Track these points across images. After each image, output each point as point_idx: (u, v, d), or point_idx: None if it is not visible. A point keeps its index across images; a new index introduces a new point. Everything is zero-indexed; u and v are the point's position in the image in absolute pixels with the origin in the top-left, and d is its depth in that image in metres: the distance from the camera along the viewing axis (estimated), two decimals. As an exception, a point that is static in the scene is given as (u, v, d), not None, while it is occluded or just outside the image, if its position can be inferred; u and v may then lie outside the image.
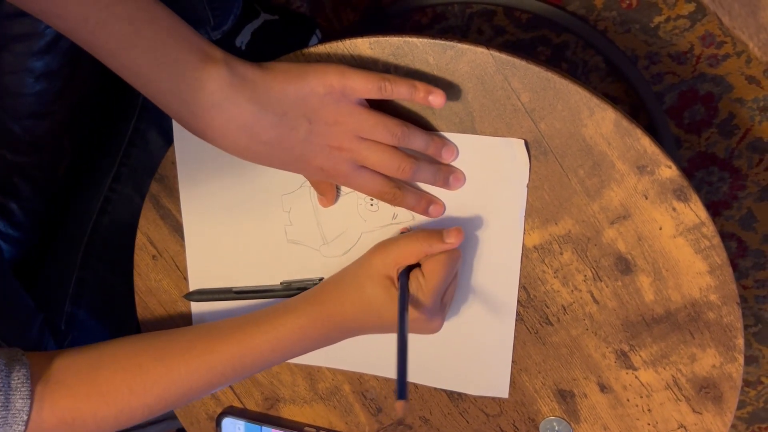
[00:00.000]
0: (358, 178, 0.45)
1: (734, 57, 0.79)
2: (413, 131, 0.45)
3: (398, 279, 0.45)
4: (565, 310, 0.51)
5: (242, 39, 0.76)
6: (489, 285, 0.51)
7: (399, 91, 0.43)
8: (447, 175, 0.47)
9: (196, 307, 0.58)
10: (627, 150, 0.46)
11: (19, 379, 0.44)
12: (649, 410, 0.52)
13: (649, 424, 0.53)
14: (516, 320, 0.51)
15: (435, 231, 0.45)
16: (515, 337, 0.52)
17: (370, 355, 0.55)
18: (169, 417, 0.72)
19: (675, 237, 0.47)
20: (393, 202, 0.47)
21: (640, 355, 0.51)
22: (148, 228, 0.57)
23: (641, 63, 0.81)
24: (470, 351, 0.53)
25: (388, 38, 0.47)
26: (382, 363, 0.56)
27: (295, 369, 0.58)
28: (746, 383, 0.99)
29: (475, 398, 0.55)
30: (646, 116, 0.83)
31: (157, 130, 0.64)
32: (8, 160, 0.60)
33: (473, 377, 0.54)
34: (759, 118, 0.82)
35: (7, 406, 0.43)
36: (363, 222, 0.51)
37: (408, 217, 0.50)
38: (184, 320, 0.58)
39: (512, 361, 0.53)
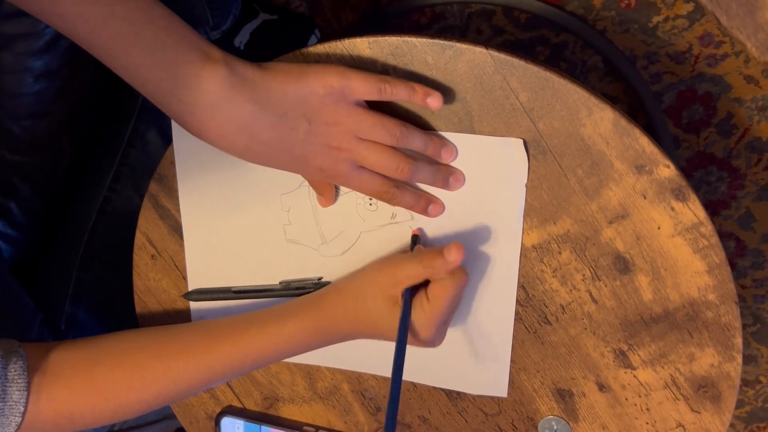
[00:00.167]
0: (357, 177, 0.45)
1: (733, 57, 0.79)
2: (412, 131, 0.45)
3: (402, 297, 0.44)
4: (563, 309, 0.51)
5: (241, 39, 0.76)
6: (488, 284, 0.51)
7: (398, 93, 0.44)
8: (446, 176, 0.47)
9: (195, 307, 0.58)
10: (625, 149, 0.46)
11: (15, 371, 0.44)
12: (647, 409, 0.52)
13: (647, 423, 0.53)
14: (515, 319, 0.52)
15: (437, 252, 0.44)
16: (514, 337, 0.52)
17: (369, 354, 0.55)
18: (168, 416, 0.72)
19: (673, 236, 0.47)
20: (391, 201, 0.47)
21: (638, 355, 0.51)
22: (148, 228, 0.57)
23: (640, 63, 0.81)
24: (469, 350, 0.53)
25: (386, 38, 0.47)
26: (381, 363, 0.56)
27: (294, 368, 0.58)
28: (744, 382, 0.99)
29: (474, 397, 0.55)
30: (644, 116, 0.83)
31: (156, 130, 0.64)
32: (7, 159, 0.60)
33: (472, 376, 0.54)
34: (757, 118, 0.82)
35: (4, 398, 0.43)
36: (362, 221, 0.51)
37: (407, 217, 0.50)
38: (183, 319, 0.59)
39: (511, 361, 0.53)
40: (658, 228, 0.47)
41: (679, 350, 0.50)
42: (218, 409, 0.61)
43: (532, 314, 0.51)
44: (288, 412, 0.60)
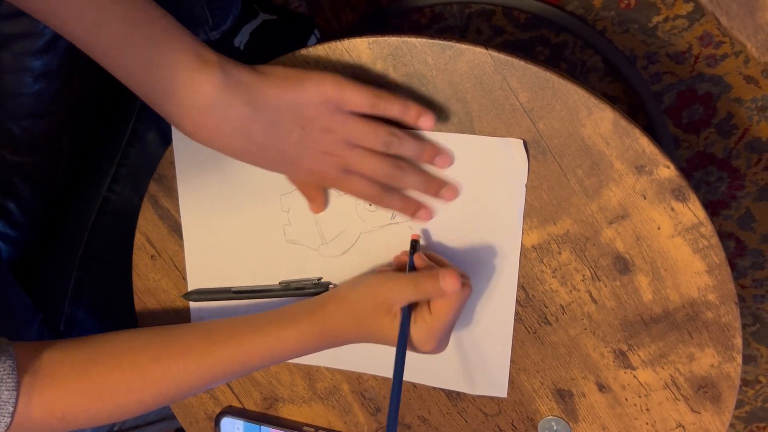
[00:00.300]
0: (347, 181, 0.46)
1: (732, 57, 0.79)
2: (405, 139, 0.46)
3: (401, 312, 0.44)
4: (563, 309, 0.51)
5: (241, 39, 0.76)
6: (488, 285, 0.51)
7: (391, 110, 0.44)
8: (438, 186, 0.48)
9: (195, 307, 0.58)
10: (625, 150, 0.46)
11: (4, 370, 0.43)
12: (647, 410, 0.52)
13: (647, 424, 0.53)
14: (515, 320, 0.52)
15: (433, 276, 0.43)
16: (514, 337, 0.52)
17: (369, 355, 0.55)
18: (168, 416, 0.72)
19: (673, 237, 0.47)
20: (380, 203, 0.48)
21: (638, 355, 0.51)
22: (147, 228, 0.57)
23: (640, 63, 0.81)
24: (469, 350, 0.53)
25: (386, 38, 0.47)
26: (381, 363, 0.56)
27: (293, 369, 0.58)
28: (744, 382, 0.99)
29: (474, 398, 0.55)
30: (644, 116, 0.83)
31: (156, 131, 0.64)
32: (7, 160, 0.60)
33: (472, 377, 0.54)
34: (757, 118, 0.82)
35: None
36: (362, 222, 0.51)
37: (407, 217, 0.50)
38: (183, 320, 0.58)
39: (511, 361, 0.53)
40: (658, 228, 0.47)
41: (679, 350, 0.50)
42: (218, 410, 0.61)
43: (532, 314, 0.51)
44: (288, 412, 0.60)
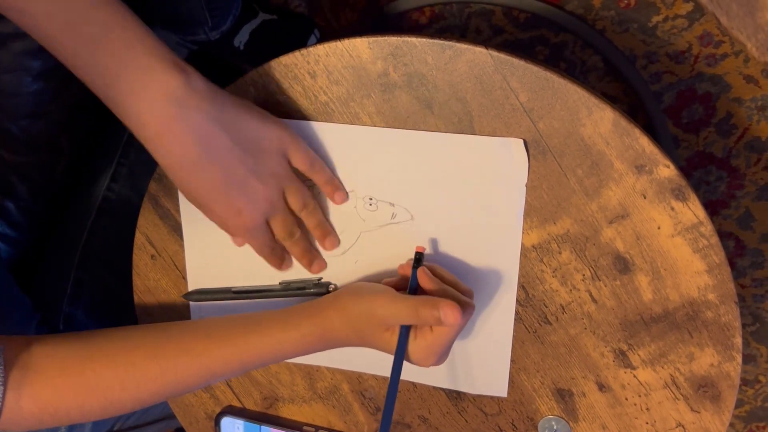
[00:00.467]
0: (259, 235, 0.49)
1: (732, 56, 0.79)
2: (317, 211, 0.50)
3: (399, 330, 0.45)
4: (563, 309, 0.51)
5: (240, 39, 0.76)
6: (488, 284, 0.51)
7: (320, 176, 0.49)
8: (312, 259, 0.52)
9: (195, 307, 0.58)
10: (625, 149, 0.46)
11: None
12: (647, 409, 0.52)
13: (647, 423, 0.53)
14: (515, 319, 0.52)
15: (433, 305, 0.43)
16: (514, 337, 0.52)
17: (369, 355, 0.55)
18: (168, 416, 0.72)
19: (673, 236, 0.47)
20: (271, 261, 0.52)
21: (638, 354, 0.51)
22: (147, 228, 0.57)
23: (639, 62, 0.81)
24: (469, 350, 0.53)
25: (386, 38, 0.47)
26: (381, 363, 0.56)
27: (294, 368, 0.58)
28: (744, 382, 0.99)
29: (474, 397, 0.55)
30: (644, 116, 0.83)
31: (156, 130, 0.64)
32: (5, 159, 0.60)
33: (472, 376, 0.54)
34: (757, 118, 0.82)
35: None
36: (362, 222, 0.51)
37: (406, 217, 0.50)
38: (183, 320, 0.58)
39: (511, 360, 0.53)
40: (658, 228, 0.47)
41: (678, 350, 0.50)
42: (218, 409, 0.61)
43: (532, 314, 0.51)
44: (288, 412, 0.60)
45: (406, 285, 0.47)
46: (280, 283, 0.55)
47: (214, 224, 0.54)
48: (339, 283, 0.53)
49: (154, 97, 0.40)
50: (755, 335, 0.96)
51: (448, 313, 0.42)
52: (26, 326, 0.58)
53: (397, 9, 0.84)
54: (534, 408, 0.55)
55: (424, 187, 0.49)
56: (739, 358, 0.49)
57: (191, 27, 0.69)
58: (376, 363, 0.56)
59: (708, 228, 0.46)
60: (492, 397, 0.55)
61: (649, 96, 0.82)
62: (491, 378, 0.54)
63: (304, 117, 0.50)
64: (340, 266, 0.53)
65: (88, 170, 0.64)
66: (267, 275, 0.55)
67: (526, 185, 0.48)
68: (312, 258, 0.52)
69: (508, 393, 0.54)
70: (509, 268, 0.50)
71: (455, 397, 0.56)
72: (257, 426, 0.60)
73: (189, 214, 0.55)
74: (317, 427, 0.60)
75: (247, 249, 0.54)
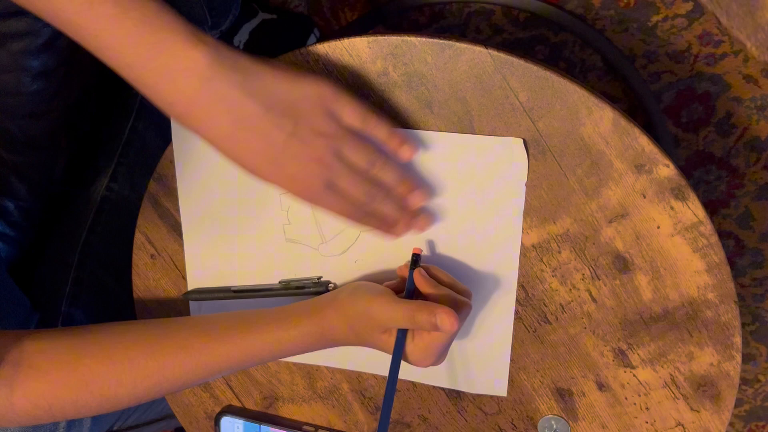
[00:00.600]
0: (327, 198, 0.44)
1: (732, 56, 0.79)
2: (389, 164, 0.45)
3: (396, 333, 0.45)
4: (563, 308, 0.51)
5: (240, 38, 0.76)
6: (487, 284, 0.51)
7: (380, 130, 0.44)
8: (409, 219, 0.47)
9: (195, 306, 0.58)
10: (625, 149, 0.46)
11: None
12: (647, 408, 0.52)
13: (647, 423, 0.53)
14: (514, 319, 0.52)
15: (430, 310, 0.43)
16: (514, 336, 0.52)
17: (369, 354, 0.55)
18: (168, 416, 0.72)
19: (673, 235, 0.47)
20: (358, 222, 0.46)
21: (638, 354, 0.51)
22: (147, 227, 0.57)
23: (639, 62, 0.81)
24: (469, 350, 0.53)
25: (386, 37, 0.46)
26: (380, 362, 0.56)
27: (293, 368, 0.58)
28: (743, 381, 0.99)
29: (474, 397, 0.55)
30: (643, 115, 0.83)
31: (155, 130, 0.64)
32: (5, 159, 0.60)
33: (472, 376, 0.54)
34: (756, 117, 0.82)
35: None
36: (361, 221, 0.51)
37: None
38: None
39: (510, 360, 0.53)
40: (658, 227, 0.47)
41: (678, 349, 0.50)
42: (218, 409, 0.61)
43: (532, 313, 0.51)
44: (287, 411, 0.60)
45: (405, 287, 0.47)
46: (279, 282, 0.55)
47: (213, 223, 0.55)
48: (338, 283, 0.53)
49: (178, 73, 0.39)
50: (755, 334, 0.96)
51: (445, 319, 0.42)
52: (25, 326, 0.58)
53: (396, 9, 0.83)
54: (534, 407, 0.55)
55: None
56: (739, 358, 0.49)
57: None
58: (376, 363, 0.56)
59: (708, 227, 0.46)
60: (492, 397, 0.55)
61: (648, 95, 0.82)
62: (491, 377, 0.54)
63: (304, 116, 0.50)
64: (340, 266, 0.53)
65: (88, 170, 0.64)
66: (267, 275, 0.55)
67: (526, 185, 0.48)
68: (408, 218, 0.47)
69: (508, 392, 0.54)
70: (509, 267, 0.50)
71: (455, 396, 0.56)
72: (257, 425, 0.60)
73: (189, 213, 0.55)
74: (317, 427, 0.60)
75: (247, 248, 0.54)
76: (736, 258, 0.91)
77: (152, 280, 0.58)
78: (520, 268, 0.50)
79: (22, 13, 0.51)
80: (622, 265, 0.49)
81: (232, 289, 0.56)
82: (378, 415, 0.58)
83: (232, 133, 0.41)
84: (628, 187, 0.47)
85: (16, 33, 0.52)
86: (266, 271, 0.54)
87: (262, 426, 0.60)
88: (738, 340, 0.49)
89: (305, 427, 0.60)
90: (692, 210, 0.46)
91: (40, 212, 0.64)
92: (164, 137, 0.63)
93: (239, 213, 0.54)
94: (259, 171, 0.43)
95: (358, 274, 0.53)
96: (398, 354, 0.44)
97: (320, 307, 0.47)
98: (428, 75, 0.47)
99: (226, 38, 0.76)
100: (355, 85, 0.48)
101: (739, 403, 1.01)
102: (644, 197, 0.47)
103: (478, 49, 0.45)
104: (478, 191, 0.48)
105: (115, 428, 0.67)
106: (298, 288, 0.54)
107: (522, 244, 0.49)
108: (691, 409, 0.52)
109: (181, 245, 0.56)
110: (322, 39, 0.86)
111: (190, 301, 0.57)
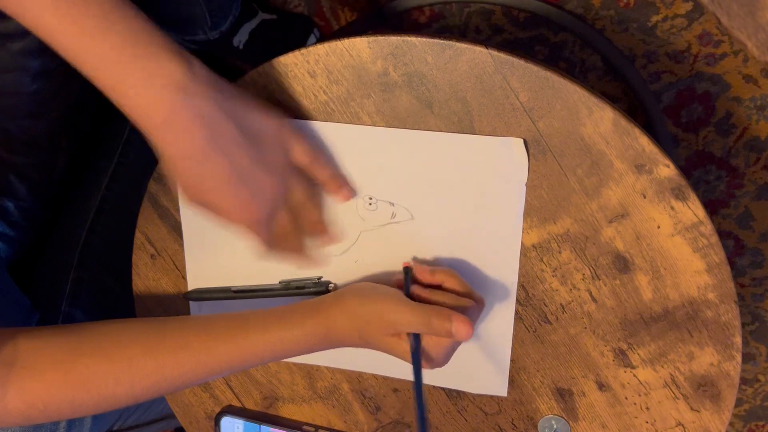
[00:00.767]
0: (262, 228, 0.46)
1: (731, 56, 0.79)
2: (318, 207, 0.50)
3: (410, 338, 0.45)
4: (563, 308, 0.51)
5: (240, 38, 0.76)
6: (488, 284, 0.51)
7: (323, 173, 0.48)
8: (307, 258, 0.52)
9: (195, 306, 0.58)
10: (625, 149, 0.46)
11: None
12: (647, 408, 0.52)
13: (647, 422, 0.53)
14: (515, 319, 0.52)
15: (445, 316, 0.43)
16: (514, 336, 0.52)
17: (369, 354, 0.55)
18: (168, 416, 0.72)
19: (673, 235, 0.47)
20: (270, 252, 0.49)
21: (638, 354, 0.51)
22: (147, 227, 0.57)
23: (639, 62, 0.81)
24: (469, 349, 0.53)
25: (386, 37, 0.46)
26: (381, 363, 0.56)
27: (294, 368, 0.58)
28: (743, 381, 0.99)
29: (474, 397, 0.55)
30: (643, 115, 0.83)
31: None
32: (5, 159, 0.60)
33: (472, 376, 0.54)
34: (756, 117, 0.82)
35: None
36: (362, 221, 0.51)
37: (407, 216, 0.50)
38: (183, 320, 0.58)
39: (511, 360, 0.53)
40: (658, 227, 0.47)
41: (678, 349, 0.50)
42: (218, 409, 0.61)
43: (532, 313, 0.51)
44: (288, 411, 0.60)
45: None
46: (279, 282, 0.55)
47: (213, 223, 0.54)
48: (339, 283, 0.53)
49: (160, 86, 0.40)
50: (754, 334, 0.96)
51: (461, 327, 0.43)
52: (25, 326, 0.58)
53: (396, 8, 0.83)
54: (534, 407, 0.55)
55: (424, 187, 0.49)
56: (739, 357, 0.49)
57: (191, 27, 0.69)
58: (377, 363, 0.56)
59: (708, 227, 0.47)
60: (492, 397, 0.55)
61: (648, 95, 0.82)
62: (491, 377, 0.54)
63: (304, 116, 0.50)
64: (340, 266, 0.53)
65: (88, 170, 0.64)
66: (267, 275, 0.55)
67: (526, 185, 0.48)
68: (307, 256, 0.52)
69: (508, 392, 0.54)
70: (509, 267, 0.50)
71: (455, 396, 0.56)
72: (257, 426, 0.60)
73: (189, 213, 0.55)
74: (317, 427, 0.60)
75: (247, 248, 0.54)
76: (736, 258, 0.91)
77: (152, 280, 0.58)
78: (520, 268, 0.50)
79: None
80: (623, 265, 0.49)
81: (232, 289, 0.56)
82: (378, 415, 0.59)
83: (203, 150, 0.42)
84: (629, 187, 0.47)
85: (16, 33, 0.52)
86: (266, 271, 0.54)
87: (262, 426, 0.60)
88: (738, 340, 0.49)
89: (305, 427, 0.60)
90: (692, 210, 0.46)
91: (40, 212, 0.64)
92: (164, 137, 0.63)
93: (239, 213, 0.54)
94: (215, 195, 0.44)
95: (358, 274, 0.53)
96: (417, 358, 0.44)
97: (325, 308, 0.46)
98: (428, 75, 0.47)
99: (226, 38, 0.76)
100: (355, 85, 0.48)
101: (738, 402, 1.01)
102: (644, 197, 0.47)
103: (479, 49, 0.45)
104: (478, 191, 0.48)
105: (115, 428, 0.67)
106: (298, 288, 0.54)
107: (522, 244, 0.49)
108: (692, 408, 0.52)
109: (181, 245, 0.56)
110: (322, 39, 0.86)
111: (191, 301, 0.57)
